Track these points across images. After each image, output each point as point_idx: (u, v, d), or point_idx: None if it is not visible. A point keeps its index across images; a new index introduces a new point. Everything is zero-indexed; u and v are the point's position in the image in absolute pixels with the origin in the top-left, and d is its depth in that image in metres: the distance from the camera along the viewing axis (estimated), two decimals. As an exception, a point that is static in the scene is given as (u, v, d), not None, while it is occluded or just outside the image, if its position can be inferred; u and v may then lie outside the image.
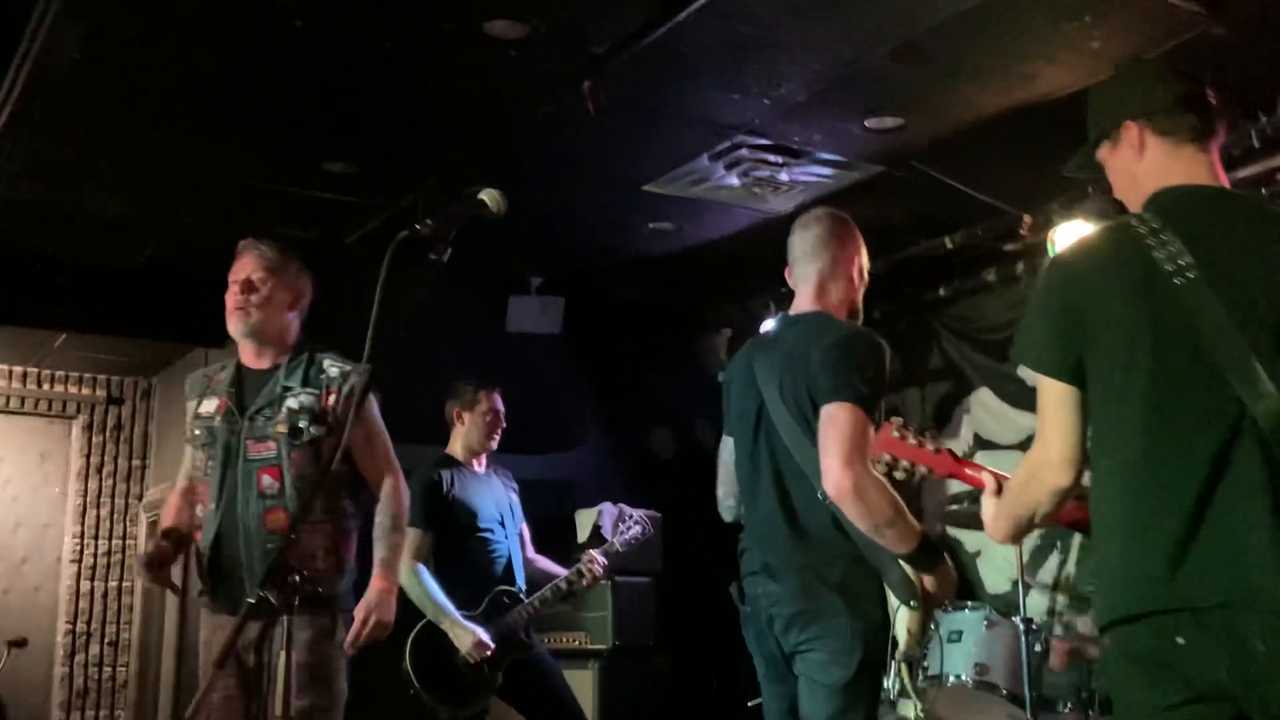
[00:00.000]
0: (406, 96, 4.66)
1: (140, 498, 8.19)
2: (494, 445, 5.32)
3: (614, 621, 6.20)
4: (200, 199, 5.70)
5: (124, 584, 8.13)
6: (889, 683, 4.81)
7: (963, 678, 4.50)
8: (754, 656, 3.43)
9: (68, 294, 6.24)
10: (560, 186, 5.54)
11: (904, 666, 3.32)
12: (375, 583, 3.61)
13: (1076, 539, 5.72)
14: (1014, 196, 5.50)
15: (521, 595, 5.13)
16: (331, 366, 3.70)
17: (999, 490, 2.41)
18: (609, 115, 4.55)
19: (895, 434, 2.68)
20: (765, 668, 3.39)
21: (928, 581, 3.14)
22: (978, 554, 6.28)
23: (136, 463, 8.29)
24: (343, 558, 3.64)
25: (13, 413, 7.86)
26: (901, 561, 3.14)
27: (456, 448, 5.30)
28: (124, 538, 8.17)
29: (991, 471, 2.48)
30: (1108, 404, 2.13)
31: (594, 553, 5.19)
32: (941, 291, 6.48)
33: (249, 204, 5.73)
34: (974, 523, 5.17)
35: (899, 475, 2.71)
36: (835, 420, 3.10)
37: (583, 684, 5.97)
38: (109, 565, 8.11)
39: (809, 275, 3.50)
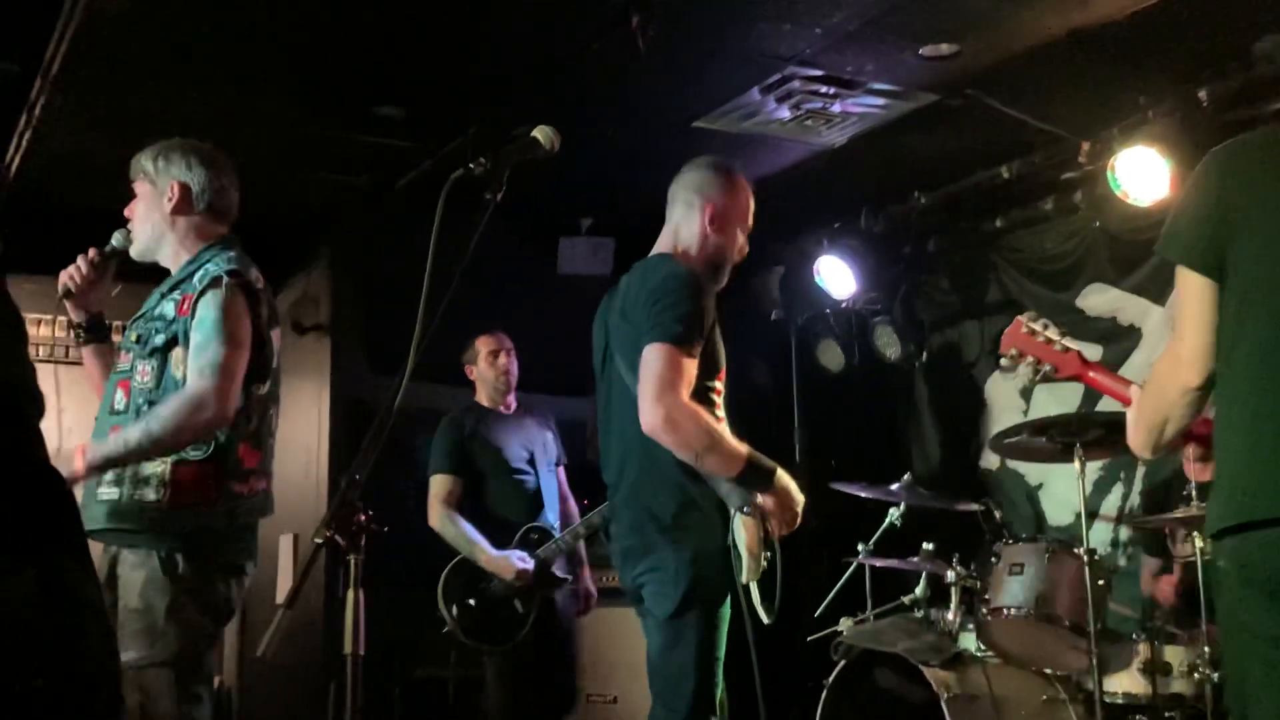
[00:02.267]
0: (454, 39, 4.63)
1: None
2: (510, 383, 5.38)
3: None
4: (250, 147, 5.68)
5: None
6: (949, 615, 4.83)
7: (1024, 610, 4.47)
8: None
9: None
10: (609, 125, 5.50)
11: (753, 586, 3.19)
12: (73, 453, 3.09)
13: (1140, 470, 5.66)
14: (1072, 124, 5.38)
15: (553, 530, 5.19)
16: (204, 269, 3.29)
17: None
18: (657, 51, 4.50)
19: (1025, 330, 2.67)
20: (633, 601, 3.44)
21: (765, 501, 3.19)
22: (1039, 486, 6.24)
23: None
24: (184, 491, 3.18)
25: (72, 363, 7.94)
26: None
27: (481, 396, 5.42)
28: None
29: (1125, 379, 2.43)
30: (1239, 301, 2.09)
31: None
32: (998, 222, 6.38)
33: (299, 151, 5.75)
34: (1033, 455, 5.12)
35: (1024, 371, 2.70)
36: (647, 361, 3.17)
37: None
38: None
39: (669, 218, 3.58)
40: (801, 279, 7.00)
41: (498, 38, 4.62)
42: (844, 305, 6.92)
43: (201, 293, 3.24)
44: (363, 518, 2.18)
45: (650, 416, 3.13)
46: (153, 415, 3.14)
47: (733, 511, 3.21)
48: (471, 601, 5.07)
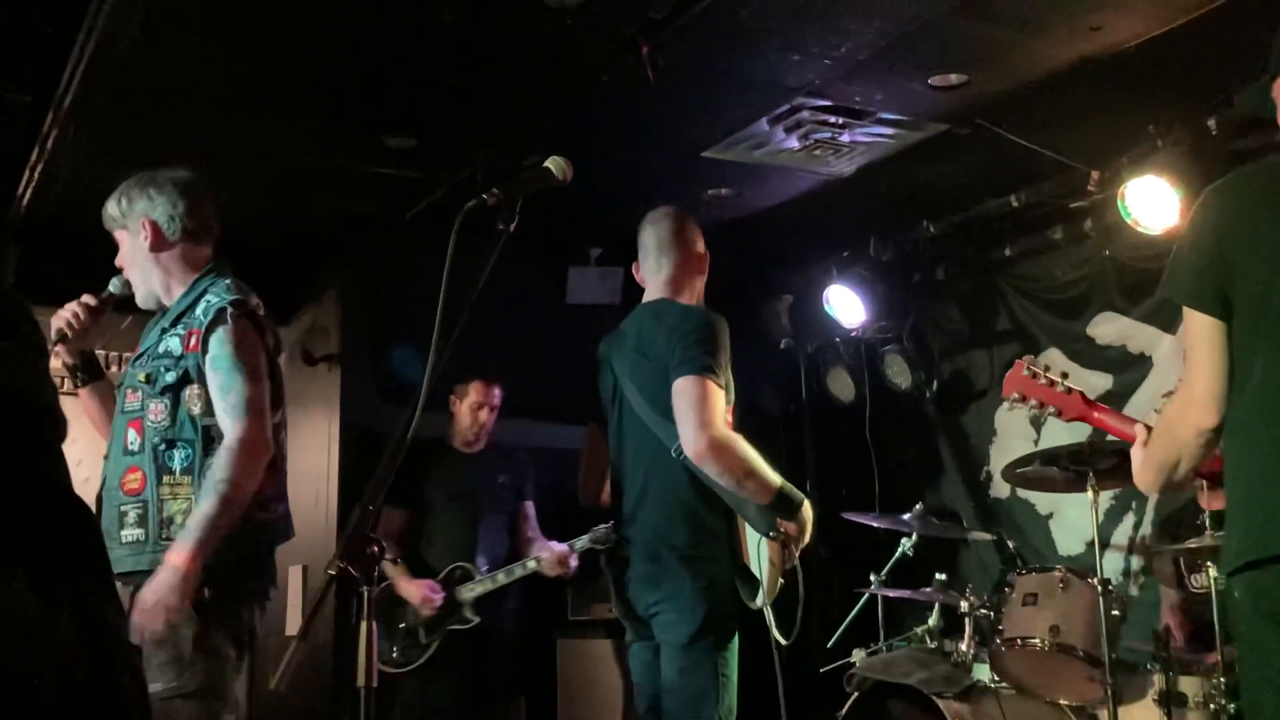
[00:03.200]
0: (464, 69, 4.64)
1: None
2: (480, 435, 5.50)
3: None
4: (261, 177, 5.72)
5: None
6: (963, 646, 4.80)
7: (1038, 640, 4.44)
8: (623, 622, 3.71)
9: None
10: (618, 155, 5.51)
11: (768, 609, 3.48)
12: (167, 555, 3.09)
13: (1151, 500, 5.64)
14: (1081, 152, 5.39)
15: (476, 571, 5.25)
16: (205, 300, 3.29)
17: (1147, 439, 2.34)
18: (667, 81, 4.51)
19: (1026, 373, 2.66)
20: (632, 633, 3.67)
21: (788, 527, 3.44)
22: (1049, 515, 6.21)
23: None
24: None
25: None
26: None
27: (452, 432, 5.53)
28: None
29: (1131, 419, 2.43)
30: (1247, 338, 2.08)
31: (553, 544, 5.19)
32: (1008, 251, 6.38)
33: (309, 181, 5.76)
34: (1044, 484, 5.10)
35: (1029, 414, 2.75)
36: (685, 391, 3.41)
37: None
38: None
39: (661, 267, 3.82)
40: (811, 308, 7.00)
41: (508, 68, 4.63)
42: (853, 334, 6.92)
43: (210, 328, 3.22)
44: (375, 549, 2.17)
45: (696, 443, 3.35)
46: (214, 480, 3.12)
47: (758, 536, 3.44)
48: (387, 616, 5.21)
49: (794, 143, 5.35)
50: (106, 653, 1.20)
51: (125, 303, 3.58)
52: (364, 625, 2.13)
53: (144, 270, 3.42)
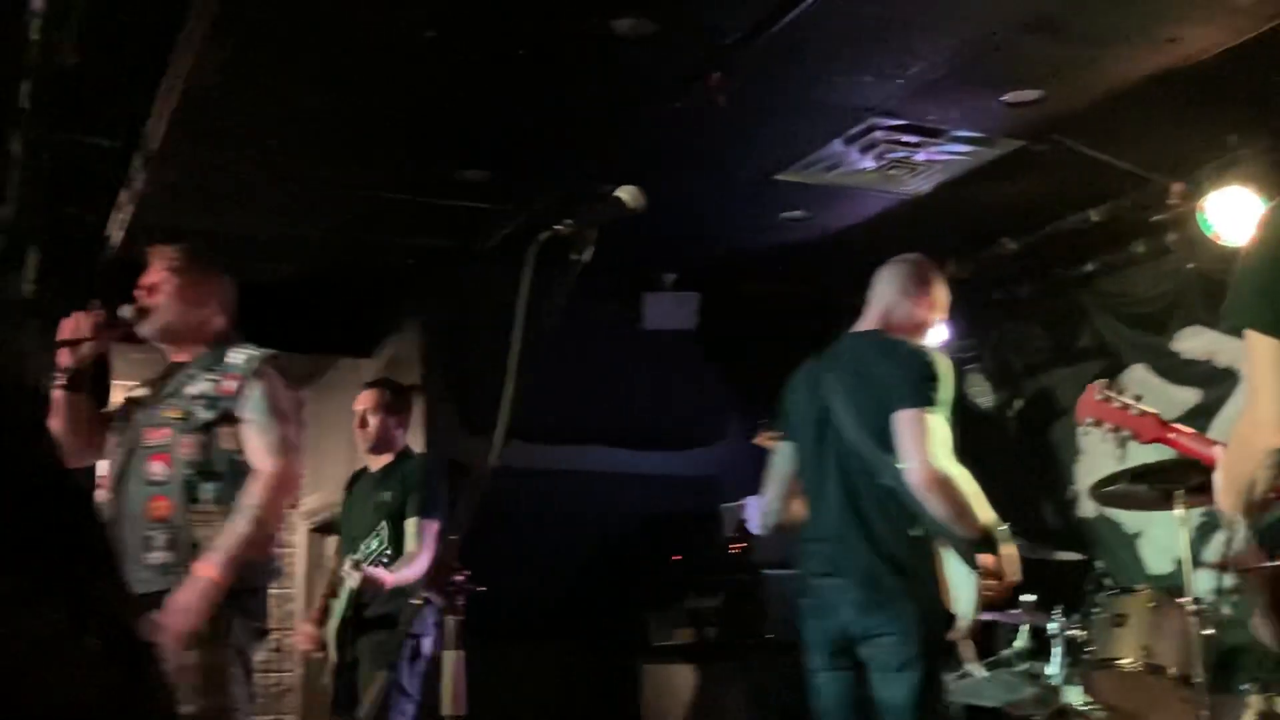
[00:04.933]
0: (536, 101, 4.69)
1: (296, 506, 8.41)
2: (368, 445, 5.41)
3: (765, 615, 6.15)
4: (340, 214, 5.83)
5: (285, 590, 8.35)
6: (1052, 669, 4.73)
7: (1130, 662, 4.36)
8: (811, 648, 3.76)
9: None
10: (691, 181, 5.53)
11: (965, 643, 3.77)
12: (195, 566, 3.31)
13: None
14: (1160, 165, 5.32)
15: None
16: (237, 354, 3.61)
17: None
18: (738, 106, 4.53)
19: (1099, 397, 2.64)
20: (827, 658, 3.72)
21: (990, 561, 3.63)
22: (1137, 534, 6.09)
23: (292, 474, 8.48)
24: None
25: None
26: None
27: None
28: (282, 546, 8.38)
29: (1209, 439, 2.40)
30: None
31: (348, 565, 5.08)
32: (1089, 266, 6.30)
33: (386, 217, 5.86)
34: (1131, 503, 5.01)
35: (1100, 438, 2.77)
36: (913, 425, 3.57)
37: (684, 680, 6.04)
38: (270, 573, 8.32)
39: (881, 301, 3.96)
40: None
41: (580, 99, 4.67)
42: (935, 353, 6.85)
43: (252, 376, 3.52)
44: (460, 578, 2.20)
45: (922, 477, 3.51)
46: (247, 504, 3.38)
47: (967, 573, 3.62)
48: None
49: (869, 163, 5.34)
50: (138, 667, 1.19)
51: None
52: (449, 654, 2.15)
53: (186, 314, 3.68)
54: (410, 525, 5.14)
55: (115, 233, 5.73)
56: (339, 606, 5.12)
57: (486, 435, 2.30)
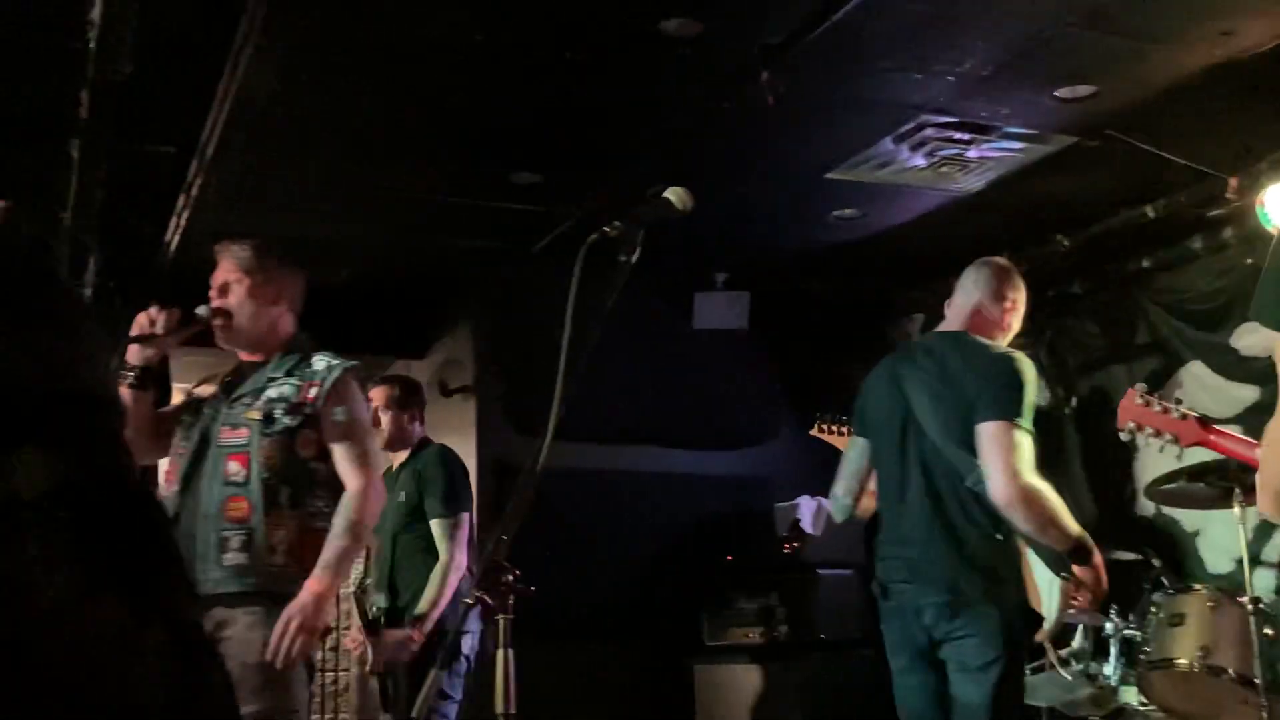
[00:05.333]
0: (586, 103, 4.71)
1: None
2: (381, 444, 5.17)
3: (819, 615, 6.15)
4: (393, 218, 5.88)
5: (343, 590, 8.40)
6: (1108, 669, 4.69)
7: (1188, 662, 4.32)
8: (893, 650, 3.74)
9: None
10: (742, 180, 5.53)
11: (1049, 644, 3.72)
12: (307, 584, 3.36)
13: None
14: (1217, 159, 5.25)
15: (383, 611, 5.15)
16: (319, 361, 3.63)
17: None
18: (787, 105, 4.51)
19: (1139, 401, 2.62)
20: (910, 660, 3.68)
21: (1081, 572, 3.53)
22: (1196, 533, 6.02)
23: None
24: (304, 557, 3.43)
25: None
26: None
27: None
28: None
29: (1253, 442, 2.37)
30: None
31: (359, 635, 5.07)
32: (1145, 263, 6.23)
33: (438, 219, 5.90)
34: (1189, 501, 4.96)
35: (1142, 443, 2.74)
36: (996, 436, 3.49)
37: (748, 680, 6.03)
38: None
39: (967, 302, 3.91)
40: (942, 326, 6.91)
41: (630, 100, 4.69)
42: (987, 351, 6.81)
43: (335, 384, 3.56)
44: (510, 577, 2.21)
45: (1006, 490, 3.44)
46: (346, 521, 3.43)
47: (1052, 576, 3.59)
48: None
49: (920, 160, 5.31)
50: (198, 659, 1.19)
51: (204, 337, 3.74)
52: (500, 653, 2.17)
53: (260, 315, 3.68)
54: (435, 528, 5.06)
55: (173, 238, 5.81)
56: (369, 606, 5.13)
57: (537, 436, 2.32)
